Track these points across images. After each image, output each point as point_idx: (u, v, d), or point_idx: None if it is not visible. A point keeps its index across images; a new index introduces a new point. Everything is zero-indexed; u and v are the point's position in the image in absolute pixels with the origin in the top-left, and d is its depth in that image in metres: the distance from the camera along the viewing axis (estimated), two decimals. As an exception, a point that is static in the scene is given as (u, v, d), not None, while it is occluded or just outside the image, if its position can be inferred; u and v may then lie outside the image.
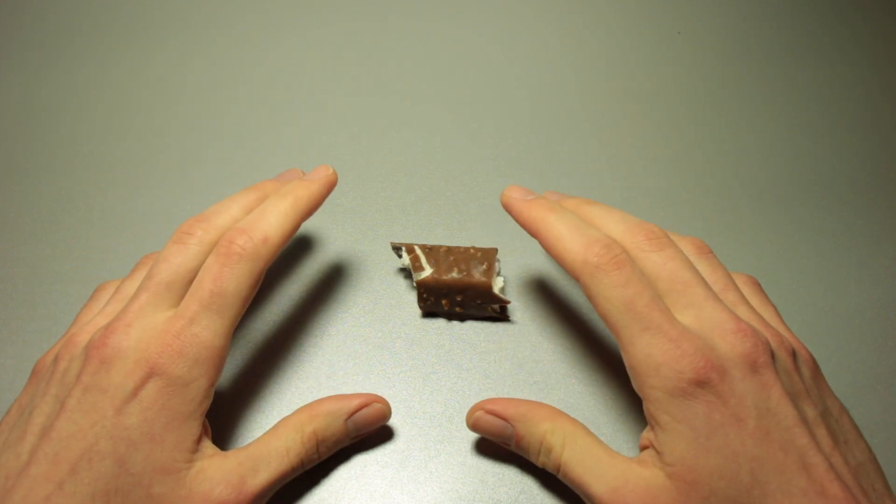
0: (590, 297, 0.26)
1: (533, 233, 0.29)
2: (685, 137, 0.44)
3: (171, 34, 0.50)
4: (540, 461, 0.27)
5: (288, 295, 0.35)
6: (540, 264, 0.37)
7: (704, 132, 0.44)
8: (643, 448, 0.25)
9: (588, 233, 0.27)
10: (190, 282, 0.27)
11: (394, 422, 0.31)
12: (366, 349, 0.33)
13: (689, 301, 0.25)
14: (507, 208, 0.30)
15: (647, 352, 0.24)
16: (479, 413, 0.28)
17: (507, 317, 0.34)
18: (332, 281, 0.36)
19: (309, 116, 0.45)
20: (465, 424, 0.30)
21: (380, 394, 0.31)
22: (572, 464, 0.26)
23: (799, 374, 0.25)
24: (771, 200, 0.40)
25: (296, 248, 0.37)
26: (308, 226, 0.38)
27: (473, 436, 0.30)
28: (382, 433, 0.30)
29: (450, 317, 0.34)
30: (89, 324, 0.27)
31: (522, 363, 0.33)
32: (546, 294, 0.35)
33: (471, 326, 0.34)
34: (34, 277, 0.36)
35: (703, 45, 0.50)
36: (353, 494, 0.29)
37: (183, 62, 0.48)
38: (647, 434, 0.25)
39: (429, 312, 0.34)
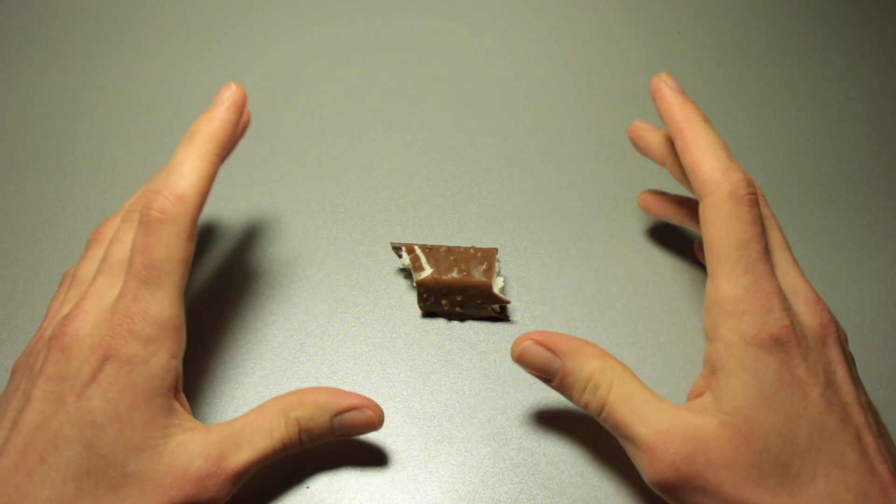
0: (706, 220, 0.25)
1: (676, 132, 0.27)
2: (685, 137, 0.44)
3: (171, 34, 0.50)
4: (584, 399, 0.26)
5: (288, 295, 0.35)
6: (540, 264, 0.37)
7: (704, 132, 0.44)
8: (694, 396, 0.25)
9: (734, 160, 0.26)
10: None
11: (394, 422, 0.31)
12: (366, 349, 0.33)
13: (779, 260, 0.26)
14: (656, 95, 0.29)
15: (738, 294, 0.24)
16: (528, 343, 0.27)
17: (507, 317, 0.34)
18: (332, 281, 0.36)
19: (309, 116, 0.45)
20: (465, 424, 0.30)
21: (380, 394, 0.31)
22: (618, 404, 0.25)
23: (853, 364, 0.26)
24: (770, 200, 0.40)
25: (296, 247, 0.37)
26: (308, 226, 0.38)
27: (473, 436, 0.30)
28: (383, 433, 0.30)
29: (450, 317, 0.34)
30: (55, 314, 0.27)
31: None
32: (546, 294, 0.35)
33: (471, 326, 0.34)
34: (34, 277, 0.36)
35: (703, 45, 0.50)
36: (353, 494, 0.29)
37: (183, 62, 0.48)
38: (702, 380, 0.25)
39: (429, 312, 0.34)
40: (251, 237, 0.38)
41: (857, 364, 0.30)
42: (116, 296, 0.25)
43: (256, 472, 0.26)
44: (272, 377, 0.32)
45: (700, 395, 0.25)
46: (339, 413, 0.27)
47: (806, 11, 0.53)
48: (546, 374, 0.27)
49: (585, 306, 0.35)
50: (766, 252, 0.25)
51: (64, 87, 0.46)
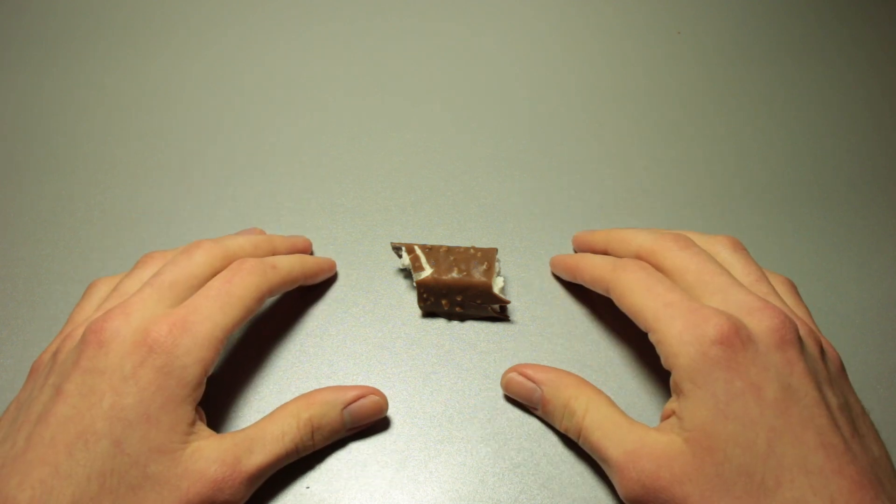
0: (618, 298, 0.28)
1: (571, 275, 0.34)
2: (685, 137, 0.44)
3: (170, 35, 0.50)
4: (563, 425, 0.28)
5: (288, 295, 0.35)
6: (540, 264, 0.37)
7: (704, 132, 0.44)
8: (664, 418, 0.25)
9: (611, 258, 0.31)
10: (193, 287, 0.28)
11: (394, 422, 0.31)
12: (366, 349, 0.33)
13: (716, 288, 0.26)
14: (552, 267, 0.36)
15: (670, 324, 0.25)
16: (513, 374, 0.30)
17: (507, 317, 0.34)
18: (332, 281, 0.36)
19: (309, 116, 0.45)
20: (465, 424, 0.30)
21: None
22: (592, 428, 0.27)
23: (824, 364, 0.25)
24: (770, 200, 0.40)
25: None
26: (308, 226, 0.38)
27: (473, 436, 0.30)
28: (382, 433, 0.30)
29: (450, 317, 0.34)
30: (86, 321, 0.27)
31: (522, 363, 0.33)
32: (546, 294, 0.35)
33: (471, 326, 0.34)
34: (34, 277, 0.36)
35: (703, 45, 0.50)
36: (353, 494, 0.29)
37: (183, 62, 0.48)
38: (669, 405, 0.25)
39: (429, 312, 0.34)
40: (251, 237, 0.38)
41: (857, 364, 0.30)
42: (178, 306, 0.26)
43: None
44: (272, 377, 0.32)
45: (668, 417, 0.25)
46: (347, 405, 0.28)
47: (806, 11, 0.53)
48: (530, 403, 0.30)
49: (585, 306, 0.35)
50: (674, 286, 0.27)
51: (64, 87, 0.46)
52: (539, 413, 0.30)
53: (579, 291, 0.35)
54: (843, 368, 0.27)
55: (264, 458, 0.26)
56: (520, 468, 0.29)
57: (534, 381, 0.29)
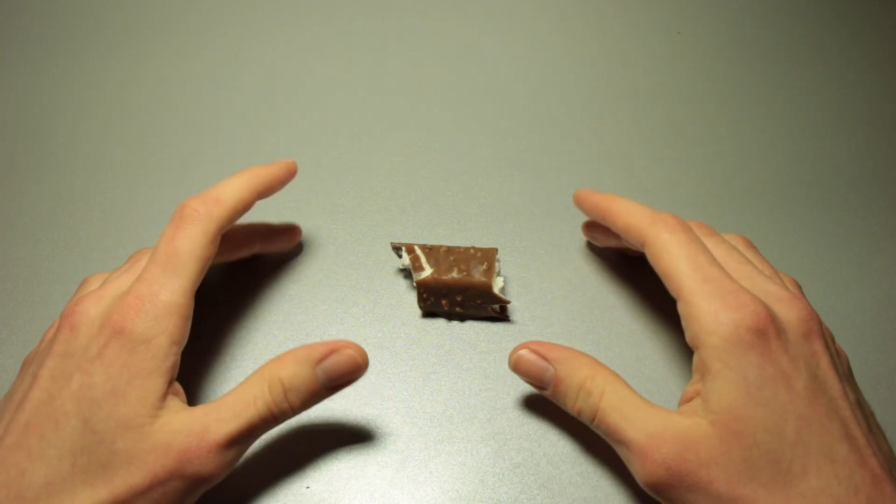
0: (653, 259, 0.27)
1: (601, 215, 0.31)
2: (685, 137, 0.44)
3: (170, 35, 0.50)
4: (577, 406, 0.27)
5: (288, 295, 0.35)
6: (540, 264, 0.37)
7: (704, 132, 0.44)
8: (685, 401, 0.25)
9: (655, 210, 0.29)
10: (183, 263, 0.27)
11: (394, 422, 0.31)
12: (366, 349, 0.33)
13: (743, 276, 0.26)
14: (578, 201, 0.34)
15: (707, 300, 0.24)
16: (523, 352, 0.28)
17: (507, 317, 0.34)
18: (332, 281, 0.36)
19: (309, 116, 0.45)
20: (465, 424, 0.30)
21: (380, 393, 0.31)
22: (609, 410, 0.25)
23: (839, 360, 0.26)
24: (771, 200, 0.40)
25: (296, 248, 0.37)
26: (308, 226, 0.38)
27: (473, 436, 0.30)
28: (382, 433, 0.30)
29: (450, 317, 0.34)
30: None
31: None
32: (546, 294, 0.35)
33: (471, 326, 0.34)
34: (34, 277, 0.36)
35: (703, 45, 0.50)
36: (353, 494, 0.29)
37: (183, 62, 0.48)
38: (692, 387, 0.25)
39: (429, 312, 0.34)
40: (251, 237, 0.38)
41: (857, 364, 0.30)
42: (133, 280, 0.26)
43: (256, 470, 0.26)
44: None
45: (690, 400, 0.25)
46: (319, 361, 0.26)
47: (806, 11, 0.53)
48: (540, 382, 0.28)
49: (585, 306, 0.35)
50: (716, 261, 0.26)
51: (64, 87, 0.46)
52: (548, 394, 0.28)
53: (579, 291, 0.35)
54: (850, 368, 0.27)
55: (236, 425, 0.24)
56: (520, 468, 0.29)
57: (547, 360, 0.28)
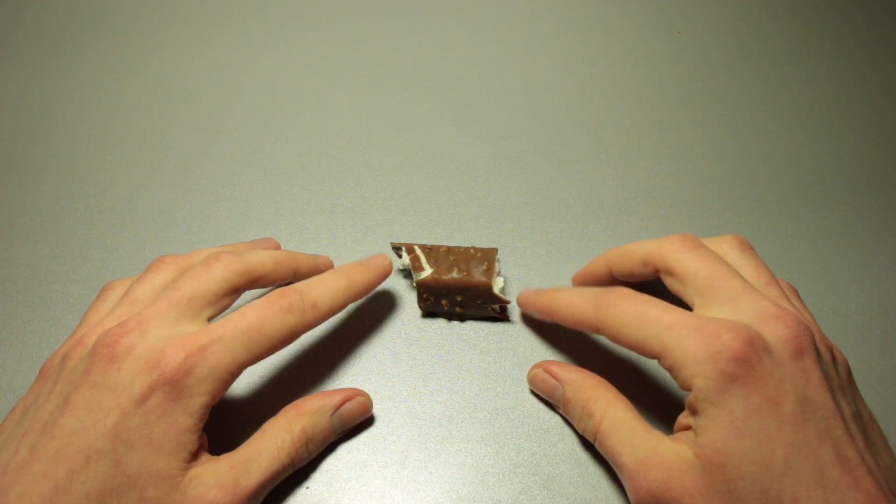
0: (612, 338, 0.27)
1: (548, 315, 0.30)
2: (685, 137, 0.44)
3: (170, 34, 0.50)
4: (581, 427, 0.28)
5: (288, 295, 0.35)
6: (540, 264, 0.37)
7: (704, 132, 0.44)
8: (679, 430, 0.25)
9: (588, 291, 0.28)
10: (210, 303, 0.27)
11: (394, 422, 0.31)
12: (366, 349, 0.33)
13: (727, 295, 0.26)
14: (521, 306, 0.33)
15: (679, 346, 0.24)
16: (538, 371, 0.31)
17: (507, 317, 0.34)
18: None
19: (309, 116, 0.45)
20: (465, 424, 0.30)
21: (380, 393, 0.31)
22: (608, 432, 0.26)
23: (836, 371, 0.25)
24: (770, 200, 0.40)
25: (296, 247, 0.37)
26: (308, 226, 0.38)
27: (473, 436, 0.30)
28: (383, 433, 0.30)
29: (450, 317, 0.34)
30: (98, 325, 0.27)
31: (522, 363, 0.33)
32: (546, 294, 0.35)
33: (471, 326, 0.34)
34: (34, 277, 0.36)
35: (703, 45, 0.50)
36: (353, 494, 0.29)
37: (182, 62, 0.48)
38: (683, 419, 0.25)
39: (429, 312, 0.34)
40: (251, 237, 0.38)
41: (857, 365, 0.30)
42: (193, 329, 0.25)
43: None
44: (272, 377, 0.32)
45: (683, 430, 0.25)
46: (335, 410, 0.29)
47: (806, 11, 0.53)
48: (553, 400, 0.30)
49: (585, 306, 0.35)
50: (668, 306, 0.25)
51: (64, 87, 0.46)
52: (561, 411, 0.30)
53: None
54: (850, 374, 0.26)
55: (262, 476, 0.25)
56: (520, 468, 0.29)
57: (557, 379, 0.29)
